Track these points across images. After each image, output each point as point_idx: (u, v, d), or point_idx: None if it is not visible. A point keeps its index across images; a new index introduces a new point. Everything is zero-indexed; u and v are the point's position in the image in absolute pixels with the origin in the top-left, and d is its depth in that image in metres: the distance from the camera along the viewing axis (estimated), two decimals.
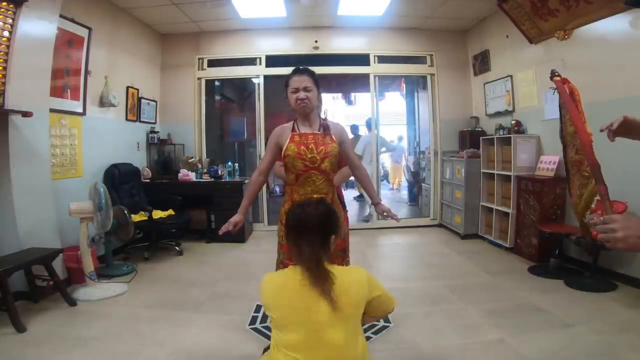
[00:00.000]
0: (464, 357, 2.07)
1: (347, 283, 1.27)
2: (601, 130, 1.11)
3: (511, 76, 4.36)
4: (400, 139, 8.88)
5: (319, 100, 2.12)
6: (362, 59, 5.23)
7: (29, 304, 2.68)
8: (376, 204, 2.07)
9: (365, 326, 2.40)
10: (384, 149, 6.91)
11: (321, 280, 1.23)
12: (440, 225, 5.29)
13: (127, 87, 4.35)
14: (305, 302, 1.21)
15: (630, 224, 0.83)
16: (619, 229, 0.83)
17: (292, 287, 1.25)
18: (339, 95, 8.67)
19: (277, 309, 1.25)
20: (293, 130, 1.95)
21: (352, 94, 8.52)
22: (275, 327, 1.26)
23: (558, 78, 1.29)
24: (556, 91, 1.31)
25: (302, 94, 1.89)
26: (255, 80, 5.33)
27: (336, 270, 1.31)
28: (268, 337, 2.24)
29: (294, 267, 1.32)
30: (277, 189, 7.20)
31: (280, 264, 2.04)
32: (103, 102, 3.88)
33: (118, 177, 3.97)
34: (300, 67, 1.96)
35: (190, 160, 4.95)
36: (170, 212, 4.15)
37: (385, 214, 1.97)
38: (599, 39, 3.13)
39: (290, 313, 1.23)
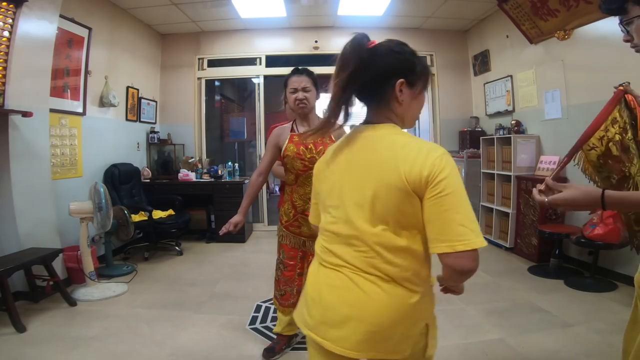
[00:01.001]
0: (464, 357, 2.07)
1: (401, 156, 0.84)
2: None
3: (511, 76, 4.36)
4: None
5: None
6: None
7: (29, 304, 2.68)
8: None
9: None
10: None
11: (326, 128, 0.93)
12: None
13: (127, 87, 4.35)
14: (342, 176, 0.93)
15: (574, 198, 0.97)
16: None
17: (339, 156, 0.97)
18: None
19: (320, 183, 1.01)
20: (292, 130, 1.96)
21: None
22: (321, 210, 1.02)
23: (622, 87, 1.29)
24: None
25: (300, 94, 1.90)
26: (255, 80, 5.33)
27: (395, 134, 0.90)
28: (268, 337, 2.25)
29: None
30: (277, 189, 7.20)
31: (281, 264, 2.05)
32: (103, 102, 3.88)
33: (118, 177, 3.97)
34: (300, 68, 1.97)
35: (190, 160, 4.95)
36: (170, 212, 4.16)
37: None
38: (599, 39, 3.13)
39: (329, 190, 0.97)
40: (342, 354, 0.88)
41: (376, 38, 0.95)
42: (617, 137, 1.21)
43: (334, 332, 0.89)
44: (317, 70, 2.11)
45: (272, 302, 2.43)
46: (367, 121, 0.95)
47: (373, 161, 0.88)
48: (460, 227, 0.79)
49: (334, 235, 0.93)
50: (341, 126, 0.97)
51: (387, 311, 0.86)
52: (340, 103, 0.91)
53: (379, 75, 0.90)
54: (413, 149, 0.84)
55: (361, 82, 0.90)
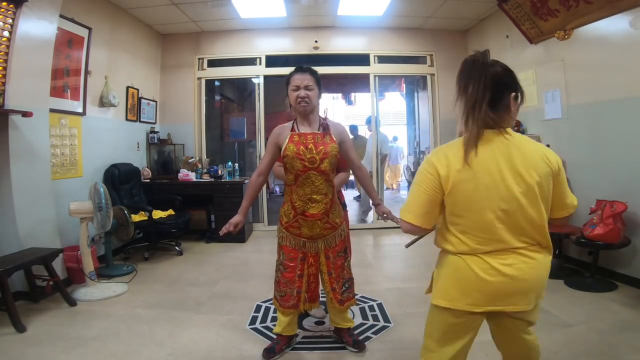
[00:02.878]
0: None
1: (545, 151, 1.15)
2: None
3: None
4: (395, 139, 8.89)
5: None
6: (362, 59, 5.22)
7: (29, 304, 2.68)
8: (376, 204, 2.06)
9: (367, 325, 2.40)
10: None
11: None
12: None
13: (127, 87, 4.35)
14: (502, 174, 1.11)
15: None
16: None
17: (483, 159, 1.13)
18: (339, 95, 8.68)
19: (466, 184, 1.14)
20: (292, 130, 1.95)
21: (352, 94, 8.53)
22: (449, 212, 1.20)
23: None
24: None
25: (302, 93, 1.88)
26: (255, 80, 5.33)
27: (516, 136, 1.16)
28: (268, 337, 2.25)
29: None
30: (277, 189, 7.21)
31: (281, 265, 2.04)
32: (103, 102, 3.88)
33: (118, 177, 3.97)
34: (303, 66, 1.96)
35: (190, 160, 4.95)
36: (170, 212, 4.16)
37: (385, 215, 1.95)
38: (599, 39, 3.13)
39: (485, 190, 1.12)
40: (520, 310, 1.18)
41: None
42: None
43: (516, 299, 1.16)
44: (318, 70, 2.10)
45: (272, 302, 2.42)
46: (492, 127, 1.14)
47: (527, 157, 1.12)
48: (571, 195, 1.23)
49: (502, 225, 1.13)
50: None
51: (546, 270, 1.20)
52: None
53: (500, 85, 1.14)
54: (542, 146, 1.18)
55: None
